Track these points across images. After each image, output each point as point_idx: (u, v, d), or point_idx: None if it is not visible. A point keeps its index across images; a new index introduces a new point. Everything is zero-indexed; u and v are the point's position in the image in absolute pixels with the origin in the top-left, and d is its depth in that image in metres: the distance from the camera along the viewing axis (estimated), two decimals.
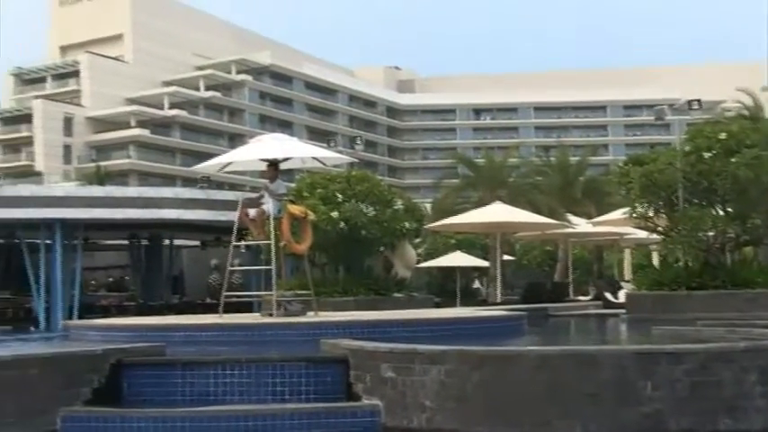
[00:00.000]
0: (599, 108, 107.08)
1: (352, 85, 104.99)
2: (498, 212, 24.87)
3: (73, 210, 25.31)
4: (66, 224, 25.70)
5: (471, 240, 31.54)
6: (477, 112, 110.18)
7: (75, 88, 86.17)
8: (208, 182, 30.59)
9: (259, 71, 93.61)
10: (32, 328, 23.73)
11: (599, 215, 27.29)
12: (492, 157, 40.82)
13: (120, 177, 74.30)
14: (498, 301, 24.01)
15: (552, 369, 6.35)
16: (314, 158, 12.80)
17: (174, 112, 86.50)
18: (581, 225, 27.56)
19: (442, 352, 6.65)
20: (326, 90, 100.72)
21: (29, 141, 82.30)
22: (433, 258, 30.36)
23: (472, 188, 38.94)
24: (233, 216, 12.33)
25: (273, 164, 11.70)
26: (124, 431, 6.81)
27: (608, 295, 22.62)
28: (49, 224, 25.57)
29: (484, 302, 25.28)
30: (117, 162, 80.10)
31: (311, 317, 11.17)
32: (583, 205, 35.37)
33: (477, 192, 37.49)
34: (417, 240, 25.54)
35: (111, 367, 7.32)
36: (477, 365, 6.49)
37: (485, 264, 28.84)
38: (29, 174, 73.99)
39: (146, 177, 78.81)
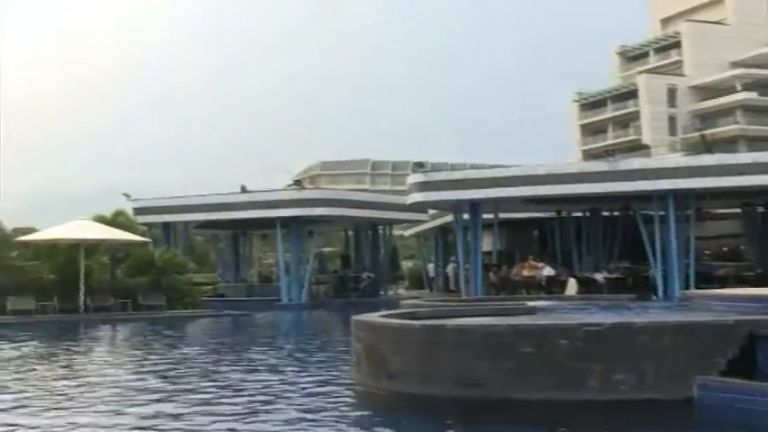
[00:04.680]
0: None
1: None
2: None
3: (684, 180, 25.41)
4: (678, 194, 25.91)
5: None
6: None
7: (676, 59, 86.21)
8: None
9: None
10: (652, 297, 24.51)
11: None
12: None
13: (727, 144, 72.27)
14: None
15: None
16: None
17: None
18: None
19: None
20: None
21: (635, 116, 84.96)
22: None
23: None
24: None
25: None
26: (761, 406, 6.59)
27: None
28: (661, 195, 26.05)
29: None
30: (723, 129, 78.31)
31: None
32: None
33: None
34: None
35: (744, 339, 7.12)
36: None
37: None
38: (636, 147, 76.40)
39: (755, 142, 75.27)
